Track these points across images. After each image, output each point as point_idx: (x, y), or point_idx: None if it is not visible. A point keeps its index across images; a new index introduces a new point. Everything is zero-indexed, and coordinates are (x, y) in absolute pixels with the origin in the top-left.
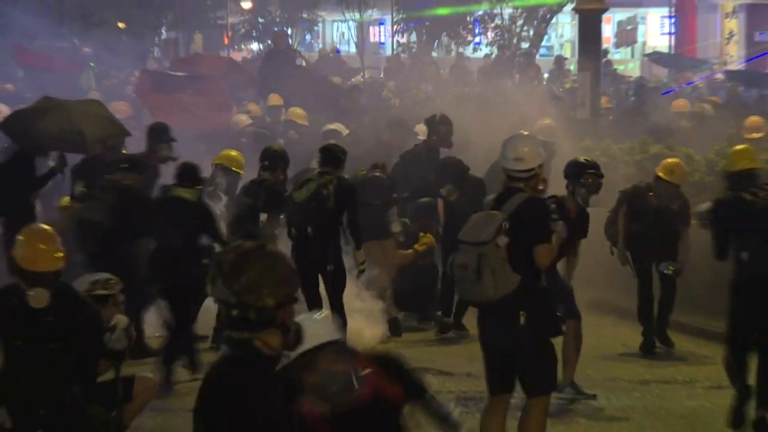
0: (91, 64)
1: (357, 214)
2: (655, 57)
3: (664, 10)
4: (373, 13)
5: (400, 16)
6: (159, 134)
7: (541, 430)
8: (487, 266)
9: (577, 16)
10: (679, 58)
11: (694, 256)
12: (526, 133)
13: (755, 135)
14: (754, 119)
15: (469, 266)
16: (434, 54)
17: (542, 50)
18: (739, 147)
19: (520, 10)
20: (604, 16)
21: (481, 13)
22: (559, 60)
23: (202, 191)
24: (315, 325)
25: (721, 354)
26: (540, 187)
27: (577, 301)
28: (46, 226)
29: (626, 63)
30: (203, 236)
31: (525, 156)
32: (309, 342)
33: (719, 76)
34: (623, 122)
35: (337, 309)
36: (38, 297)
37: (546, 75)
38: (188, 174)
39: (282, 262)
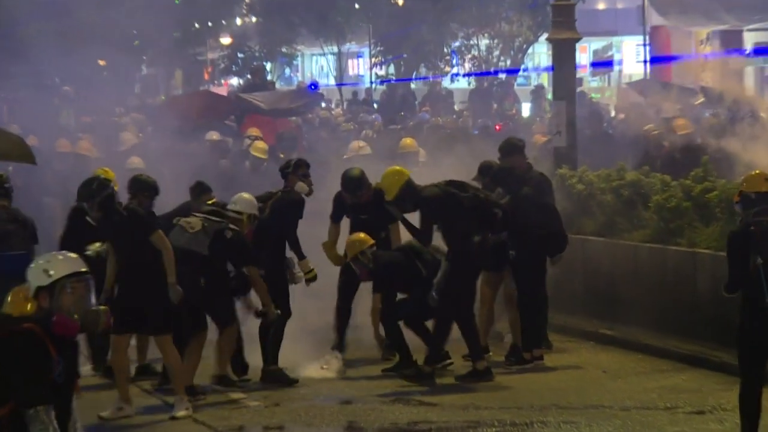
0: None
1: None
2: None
3: (639, 38)
4: (351, 46)
5: (378, 48)
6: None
7: (228, 352)
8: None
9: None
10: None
11: (677, 277)
12: None
13: (683, 132)
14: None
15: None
16: (413, 85)
17: (520, 80)
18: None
19: (496, 41)
20: (580, 45)
21: (458, 44)
22: (538, 89)
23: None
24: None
25: (700, 379)
26: None
27: (554, 327)
28: None
29: (603, 91)
30: None
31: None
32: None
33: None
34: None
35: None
36: None
37: (524, 104)
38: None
39: None
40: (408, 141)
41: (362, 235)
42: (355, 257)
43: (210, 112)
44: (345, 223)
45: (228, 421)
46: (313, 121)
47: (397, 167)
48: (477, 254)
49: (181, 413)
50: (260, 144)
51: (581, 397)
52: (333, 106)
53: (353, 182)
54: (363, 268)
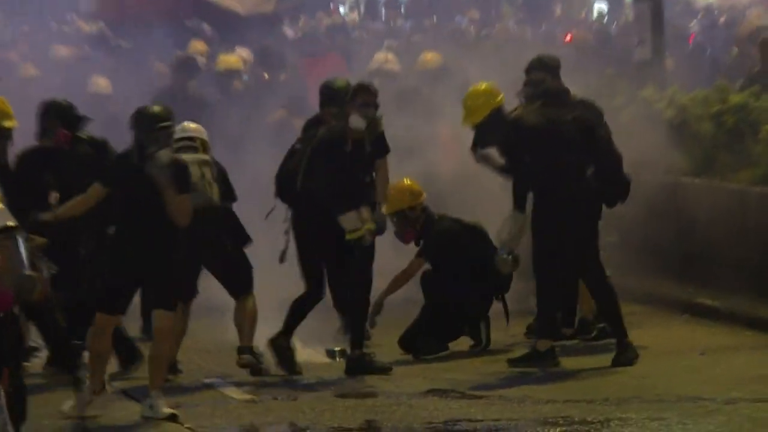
0: None
1: None
2: None
3: None
4: None
5: None
6: None
7: (254, 320)
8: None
9: None
10: None
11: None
12: None
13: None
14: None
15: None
16: None
17: None
18: None
19: None
20: None
21: None
22: None
23: None
24: None
25: None
26: None
27: (637, 295)
28: None
29: None
30: None
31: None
32: None
33: None
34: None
35: None
36: None
37: (598, 4)
38: None
39: None
40: (429, 56)
41: (408, 181)
42: (401, 212)
43: (166, 12)
44: None
45: (211, 420)
46: (318, 29)
47: (487, 85)
48: (591, 194)
49: (166, 410)
50: (227, 57)
51: (672, 386)
52: (347, 9)
53: (340, 96)
54: (408, 228)
